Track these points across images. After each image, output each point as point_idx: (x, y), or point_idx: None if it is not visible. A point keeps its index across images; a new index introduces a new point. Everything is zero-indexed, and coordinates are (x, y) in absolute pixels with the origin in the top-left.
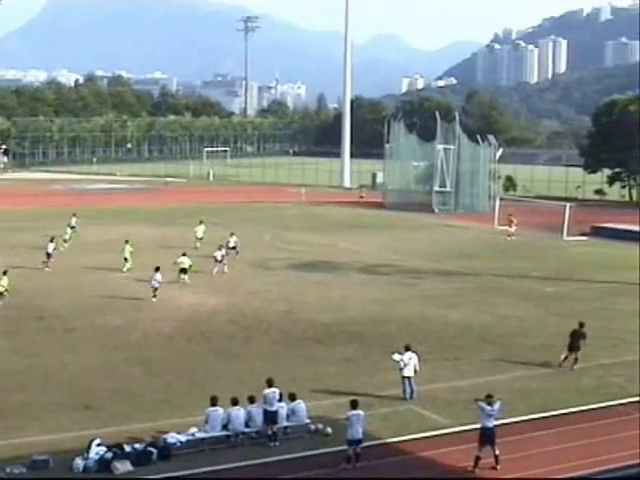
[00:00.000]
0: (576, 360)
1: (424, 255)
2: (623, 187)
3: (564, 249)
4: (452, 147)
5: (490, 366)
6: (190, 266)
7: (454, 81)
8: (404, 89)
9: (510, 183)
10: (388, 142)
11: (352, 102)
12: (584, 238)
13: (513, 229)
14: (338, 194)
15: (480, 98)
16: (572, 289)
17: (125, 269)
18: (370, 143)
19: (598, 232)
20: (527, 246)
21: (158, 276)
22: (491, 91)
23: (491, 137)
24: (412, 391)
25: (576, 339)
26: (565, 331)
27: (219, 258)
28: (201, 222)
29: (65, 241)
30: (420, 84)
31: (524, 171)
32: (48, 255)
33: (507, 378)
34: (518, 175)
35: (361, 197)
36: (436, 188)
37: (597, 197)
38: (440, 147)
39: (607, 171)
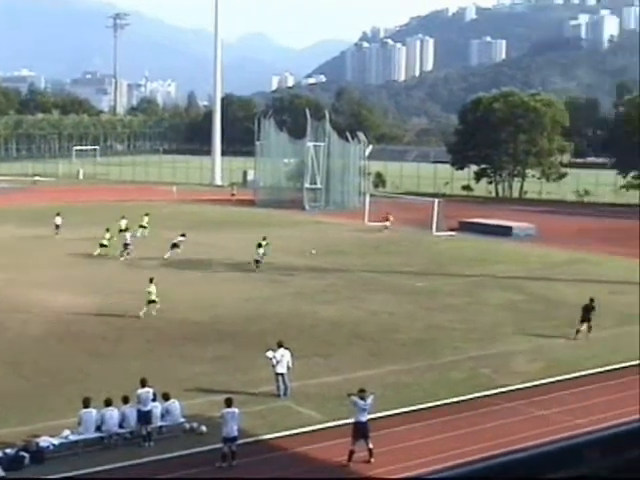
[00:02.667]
0: (590, 329)
1: (296, 252)
2: (489, 183)
3: (434, 244)
4: (322, 144)
5: (362, 361)
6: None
7: (324, 79)
8: (274, 87)
9: (380, 180)
10: (259, 140)
11: (222, 100)
12: (453, 233)
13: (389, 224)
14: (209, 192)
15: (350, 96)
16: (442, 284)
17: None
18: (241, 141)
19: (466, 227)
20: (398, 242)
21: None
22: (360, 89)
23: (361, 134)
24: (286, 388)
25: (587, 312)
26: (435, 324)
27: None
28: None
29: None
30: (290, 82)
31: (393, 168)
32: None
33: (379, 373)
34: (388, 172)
35: (232, 195)
36: (307, 185)
37: (464, 193)
38: (310, 144)
39: (474, 167)
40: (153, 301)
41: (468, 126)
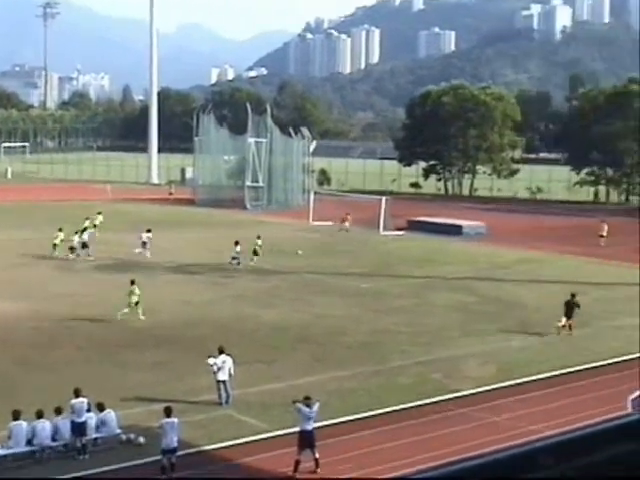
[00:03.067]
0: (571, 327)
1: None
2: (439, 180)
3: (381, 244)
4: (264, 140)
5: (307, 367)
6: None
7: (265, 72)
8: (213, 80)
9: (324, 177)
10: (197, 135)
11: (159, 94)
12: (400, 232)
13: (347, 225)
14: (146, 191)
15: (292, 89)
16: (389, 285)
17: None
18: (179, 137)
19: (415, 226)
20: (344, 242)
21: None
22: (304, 82)
23: (304, 129)
24: (228, 395)
25: (570, 309)
26: (382, 328)
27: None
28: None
29: None
30: (230, 74)
31: (339, 164)
32: None
33: (324, 378)
34: (333, 168)
35: (170, 194)
36: (248, 183)
37: (413, 190)
38: (252, 140)
39: (422, 164)
40: (137, 303)
41: (416, 121)
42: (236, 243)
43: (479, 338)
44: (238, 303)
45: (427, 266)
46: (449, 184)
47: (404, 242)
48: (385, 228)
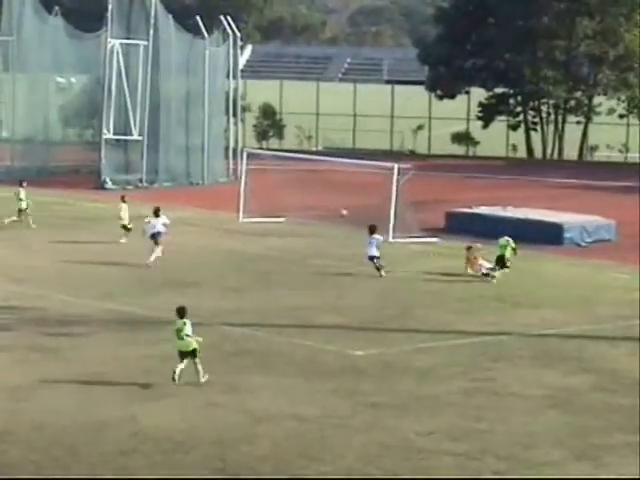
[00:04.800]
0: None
1: None
2: (511, 127)
3: (394, 265)
4: (141, 43)
5: None
6: None
7: None
8: None
9: (271, 121)
10: None
11: None
12: (432, 239)
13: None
14: None
15: None
16: (418, 351)
17: None
18: None
19: (459, 224)
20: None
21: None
22: None
23: (228, 20)
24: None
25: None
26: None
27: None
28: None
29: None
30: None
31: (300, 94)
32: None
33: None
34: (288, 103)
35: None
36: (107, 135)
37: (457, 149)
38: (114, 43)
39: (477, 93)
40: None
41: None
42: None
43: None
44: None
45: (491, 310)
46: (533, 135)
47: (440, 261)
48: (399, 232)
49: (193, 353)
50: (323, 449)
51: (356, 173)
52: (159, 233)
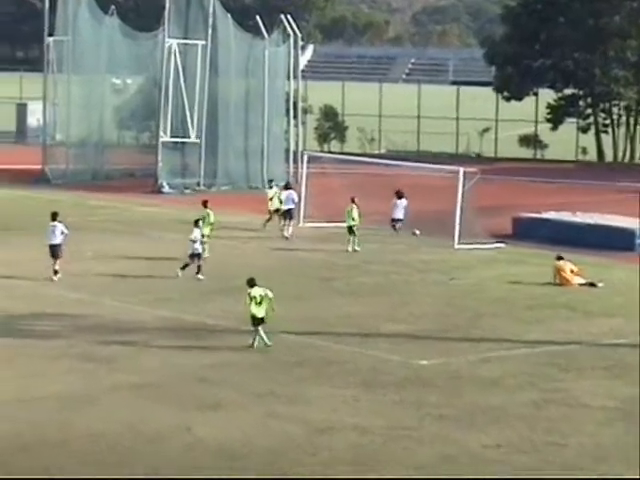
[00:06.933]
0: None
1: None
2: (581, 130)
3: (459, 272)
4: (199, 43)
5: None
6: None
7: None
8: None
9: (333, 123)
10: (53, 34)
11: None
12: (500, 245)
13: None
14: None
15: None
16: (481, 361)
17: None
18: (9, 37)
19: (527, 229)
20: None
21: None
22: None
23: (289, 20)
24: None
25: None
26: None
27: None
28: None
29: None
30: None
31: (363, 96)
32: None
33: None
34: (351, 104)
35: None
36: (164, 138)
37: (524, 152)
38: (172, 43)
39: (546, 95)
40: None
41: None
42: None
43: None
44: None
45: (562, 319)
46: (604, 138)
47: (508, 268)
48: (465, 237)
49: (263, 320)
50: (384, 460)
51: (420, 177)
52: None
